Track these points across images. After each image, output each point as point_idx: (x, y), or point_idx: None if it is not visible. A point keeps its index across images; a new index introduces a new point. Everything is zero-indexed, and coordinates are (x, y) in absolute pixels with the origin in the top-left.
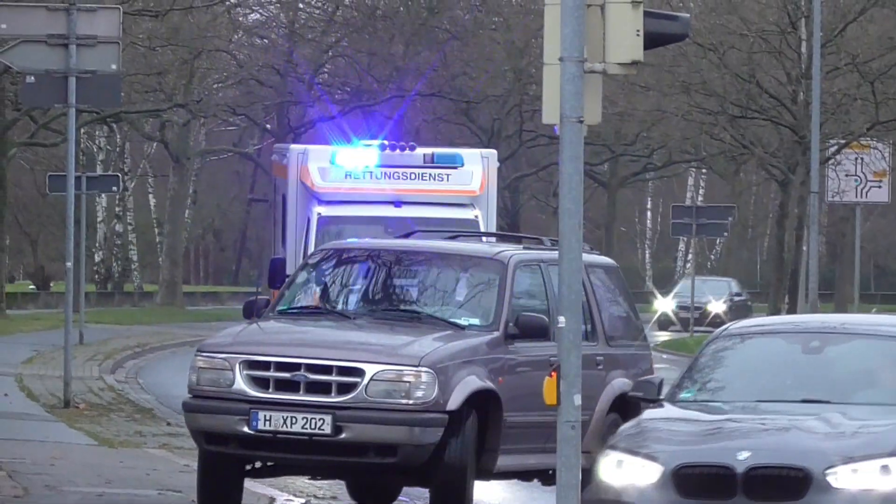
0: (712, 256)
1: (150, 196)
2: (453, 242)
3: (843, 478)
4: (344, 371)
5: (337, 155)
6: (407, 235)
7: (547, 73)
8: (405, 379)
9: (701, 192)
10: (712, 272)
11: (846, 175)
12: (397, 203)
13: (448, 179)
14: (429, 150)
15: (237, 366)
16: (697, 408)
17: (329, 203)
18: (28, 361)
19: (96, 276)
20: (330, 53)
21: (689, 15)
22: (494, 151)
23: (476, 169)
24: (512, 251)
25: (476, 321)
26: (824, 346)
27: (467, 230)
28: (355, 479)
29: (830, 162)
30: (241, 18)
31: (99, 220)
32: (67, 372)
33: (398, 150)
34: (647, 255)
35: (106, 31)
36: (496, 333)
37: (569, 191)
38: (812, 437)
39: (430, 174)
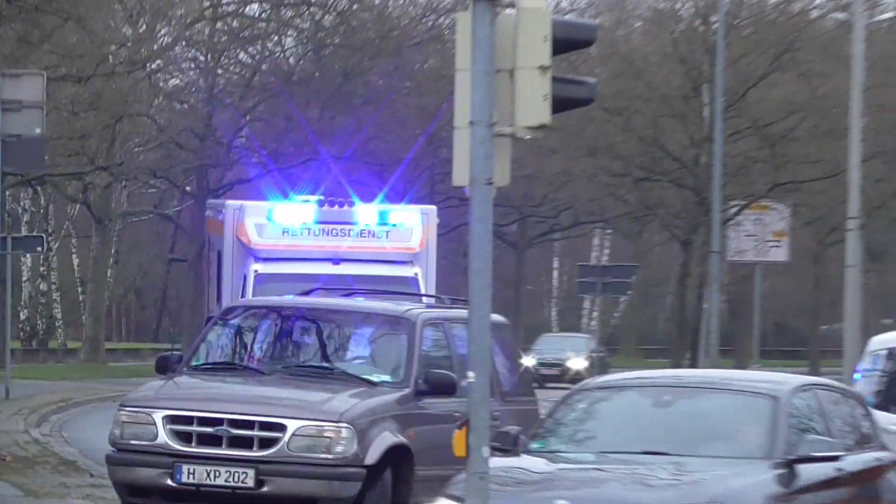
0: (616, 314)
1: (74, 256)
2: (362, 301)
3: None
4: (266, 426)
5: (274, 211)
6: (308, 293)
7: (457, 136)
8: (326, 434)
9: (606, 251)
10: (617, 329)
11: (746, 235)
12: (335, 261)
13: (387, 236)
14: (368, 207)
15: (160, 420)
16: (544, 458)
17: (266, 260)
18: None
19: (21, 334)
20: (248, 118)
21: (595, 80)
22: (434, 208)
23: (416, 226)
24: (419, 310)
25: (387, 378)
26: (675, 399)
27: (406, 289)
28: None
29: (731, 222)
30: (161, 84)
31: (24, 279)
32: None
33: (336, 206)
34: (554, 313)
35: (31, 96)
36: (407, 390)
37: (478, 251)
38: (630, 488)
39: (369, 231)
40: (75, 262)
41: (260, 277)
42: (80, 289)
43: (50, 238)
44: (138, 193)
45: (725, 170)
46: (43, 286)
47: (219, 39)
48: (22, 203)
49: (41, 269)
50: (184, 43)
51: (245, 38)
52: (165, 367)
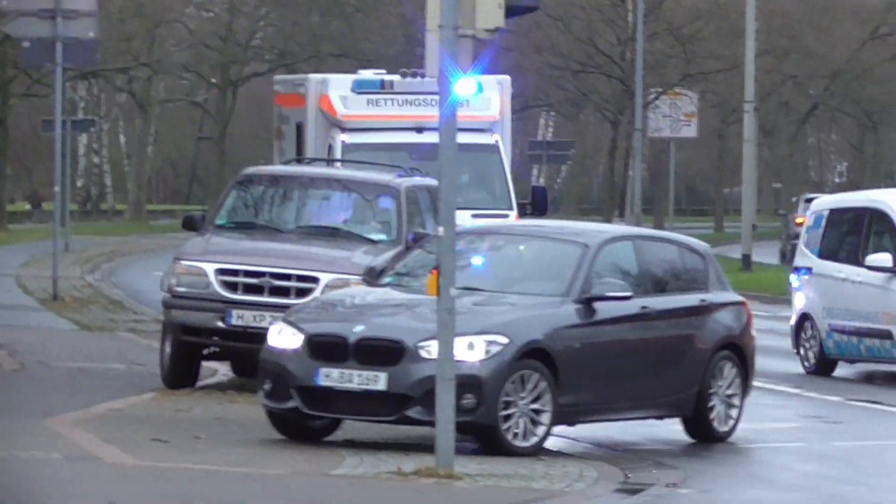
0: (559, 181)
1: (121, 135)
2: (356, 171)
3: (433, 350)
4: (302, 279)
5: (357, 83)
6: (298, 162)
7: (429, 37)
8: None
9: (550, 130)
10: (559, 192)
11: (663, 116)
12: (419, 129)
13: (468, 105)
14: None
15: (212, 272)
16: (383, 289)
17: (352, 131)
18: (25, 265)
19: (78, 198)
20: (261, 23)
21: None
22: (508, 77)
23: (494, 95)
24: (402, 179)
25: (384, 237)
26: (505, 245)
27: (489, 153)
28: None
29: (651, 106)
30: None
31: (81, 153)
32: (55, 272)
33: (418, 78)
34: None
35: (85, 6)
36: (400, 246)
37: (446, 128)
38: (416, 318)
39: None
40: (122, 140)
41: (347, 147)
42: (126, 162)
43: (101, 120)
44: (173, 84)
45: (646, 63)
46: (96, 160)
47: None
48: (78, 92)
49: (94, 146)
50: None
51: None
52: (192, 225)
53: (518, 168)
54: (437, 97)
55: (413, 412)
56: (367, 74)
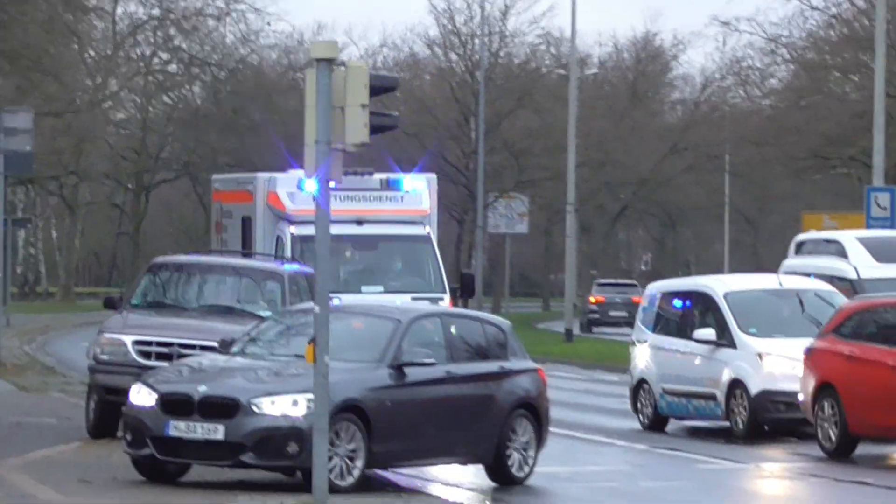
0: None
1: (53, 231)
2: (248, 260)
3: (265, 406)
4: (204, 348)
5: (304, 182)
6: (209, 252)
7: (307, 150)
8: None
9: None
10: None
11: (500, 215)
12: (359, 222)
13: (403, 200)
14: (384, 176)
15: (129, 343)
16: (230, 356)
17: (300, 223)
18: None
19: (18, 283)
20: (169, 139)
21: (398, 114)
22: (434, 176)
23: (424, 192)
24: (285, 266)
25: (270, 313)
26: (339, 319)
27: (423, 243)
28: None
29: (490, 207)
30: (111, 117)
31: (20, 246)
32: None
33: (358, 175)
34: None
35: (23, 125)
36: None
37: (320, 221)
38: (251, 380)
39: (387, 196)
40: (54, 234)
41: (296, 238)
42: (57, 252)
43: (37, 218)
44: (97, 189)
45: (486, 173)
46: (32, 251)
47: (150, 88)
48: (18, 195)
49: (31, 239)
50: (126, 90)
51: (167, 86)
52: (112, 305)
53: None
54: (375, 192)
55: (246, 458)
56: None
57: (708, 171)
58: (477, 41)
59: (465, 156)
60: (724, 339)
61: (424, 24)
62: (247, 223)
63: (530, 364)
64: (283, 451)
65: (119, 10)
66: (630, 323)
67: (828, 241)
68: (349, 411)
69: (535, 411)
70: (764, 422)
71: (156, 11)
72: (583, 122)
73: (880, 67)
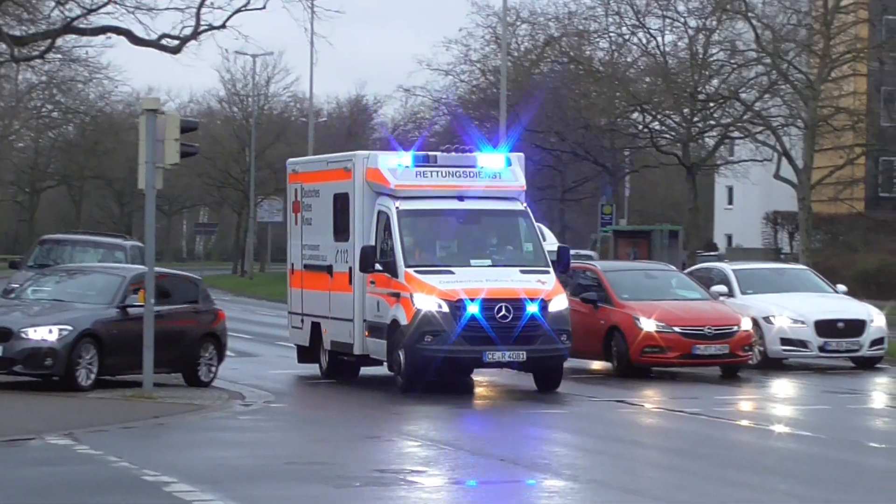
0: (211, 243)
1: None
2: (103, 237)
3: (30, 333)
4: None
5: (405, 158)
6: (86, 232)
7: (140, 168)
8: None
9: (206, 217)
10: (212, 249)
11: (265, 210)
12: (460, 197)
13: (500, 178)
14: (482, 153)
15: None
16: (17, 299)
17: (404, 199)
18: None
19: None
20: (52, 160)
21: (198, 144)
22: (523, 154)
23: (518, 169)
24: (127, 241)
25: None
26: (65, 274)
27: (523, 218)
28: None
29: (258, 205)
30: (15, 145)
31: None
32: None
33: (459, 153)
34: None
35: None
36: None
37: (148, 219)
38: (21, 314)
39: (485, 172)
40: None
41: (401, 212)
42: None
43: None
44: (5, 191)
45: (255, 183)
46: None
47: (40, 127)
48: None
49: None
50: (25, 128)
51: (51, 126)
52: (15, 266)
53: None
54: (473, 169)
55: (18, 368)
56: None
57: None
58: (250, 99)
59: (242, 172)
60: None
61: (217, 87)
62: (340, 199)
63: (215, 306)
64: (42, 363)
65: (20, 77)
66: None
67: None
68: (89, 336)
69: (217, 339)
70: None
71: (44, 78)
72: (317, 151)
73: (503, 119)
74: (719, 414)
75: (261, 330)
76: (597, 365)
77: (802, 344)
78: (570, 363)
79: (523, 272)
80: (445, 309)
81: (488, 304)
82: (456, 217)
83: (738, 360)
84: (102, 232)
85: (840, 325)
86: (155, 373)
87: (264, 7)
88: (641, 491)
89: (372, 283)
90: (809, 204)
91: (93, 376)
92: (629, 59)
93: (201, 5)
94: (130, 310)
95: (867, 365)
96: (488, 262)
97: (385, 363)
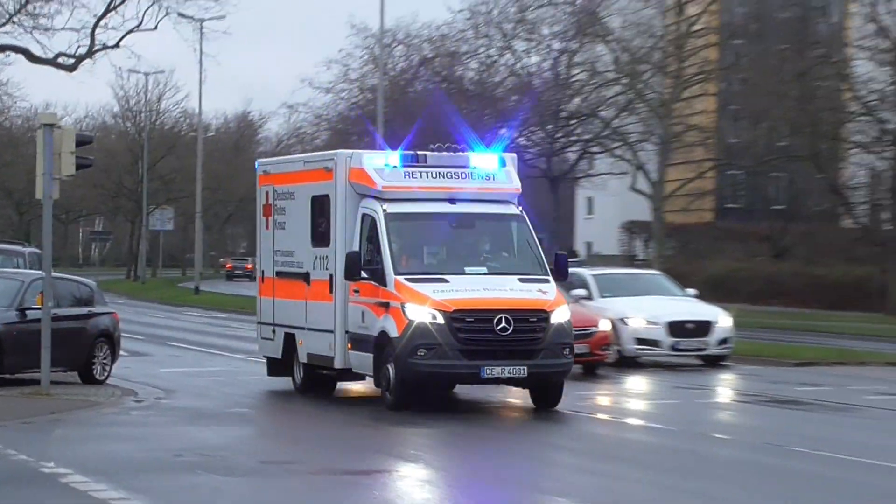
0: (105, 250)
1: None
2: (0, 244)
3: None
4: None
5: (392, 158)
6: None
7: (38, 179)
8: None
9: (101, 224)
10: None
11: (156, 219)
12: (451, 200)
13: (493, 179)
14: (474, 153)
15: None
16: None
17: (392, 201)
18: None
19: None
20: None
21: (93, 157)
22: (515, 155)
23: (512, 170)
24: (26, 248)
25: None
26: None
27: (519, 222)
28: None
29: (151, 214)
30: None
31: None
32: None
33: (451, 151)
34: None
35: None
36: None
37: (46, 227)
38: None
39: (479, 174)
40: None
41: (390, 216)
42: None
43: None
44: None
45: (148, 193)
46: None
47: None
48: None
49: None
50: None
51: None
52: None
53: None
54: (465, 170)
55: None
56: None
57: None
58: (143, 115)
59: (136, 183)
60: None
61: (111, 104)
62: (319, 201)
63: (109, 309)
64: None
65: None
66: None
67: None
68: None
69: (110, 339)
70: None
71: None
72: (206, 164)
73: (380, 133)
74: (579, 408)
75: (152, 331)
76: None
77: (655, 343)
78: None
79: (522, 281)
80: (440, 320)
81: (487, 316)
82: (448, 221)
83: (597, 358)
84: (2, 239)
85: (690, 325)
86: (52, 371)
87: (156, 28)
88: (506, 480)
89: (356, 291)
90: (662, 214)
91: None
92: (497, 79)
93: (95, 26)
94: (29, 312)
95: (714, 362)
96: (484, 269)
97: (367, 378)
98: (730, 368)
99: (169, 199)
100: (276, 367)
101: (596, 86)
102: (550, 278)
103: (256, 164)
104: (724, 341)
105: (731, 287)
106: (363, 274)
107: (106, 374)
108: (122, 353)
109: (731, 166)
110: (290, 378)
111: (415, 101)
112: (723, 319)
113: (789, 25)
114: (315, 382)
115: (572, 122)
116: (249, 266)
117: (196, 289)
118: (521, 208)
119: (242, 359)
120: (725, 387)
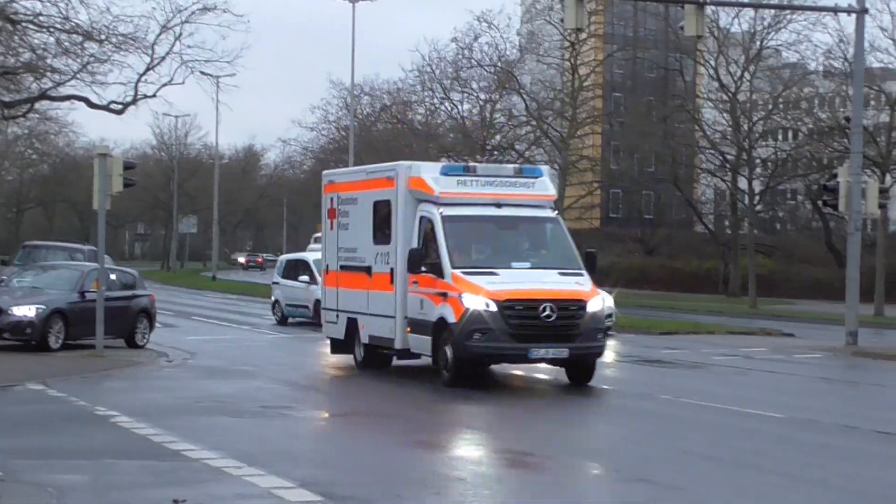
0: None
1: None
2: (66, 243)
3: (14, 310)
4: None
5: (446, 168)
6: (56, 240)
7: (95, 195)
8: None
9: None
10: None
11: (185, 224)
12: (498, 205)
13: (534, 187)
14: (518, 165)
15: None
16: (5, 286)
17: (447, 205)
18: None
19: None
20: None
21: (136, 178)
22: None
23: (548, 181)
24: (86, 246)
25: (90, 268)
26: (43, 269)
27: (556, 224)
28: None
29: (181, 220)
30: None
31: None
32: None
33: (497, 163)
34: None
35: None
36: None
37: (100, 228)
38: (10, 297)
39: (520, 183)
40: None
41: (446, 218)
42: None
43: None
44: None
45: (178, 207)
46: None
47: None
48: None
49: None
50: None
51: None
52: (4, 263)
53: None
54: (510, 179)
55: (6, 335)
56: (443, 163)
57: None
58: (173, 147)
59: (168, 198)
60: (311, 280)
61: (150, 139)
62: (381, 205)
63: (147, 292)
64: (24, 332)
65: (9, 130)
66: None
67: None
68: (57, 313)
69: (148, 314)
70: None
71: (26, 131)
72: (221, 184)
73: (351, 162)
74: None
75: (180, 308)
76: None
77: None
78: None
79: (562, 274)
80: (493, 308)
81: (533, 304)
82: (496, 223)
83: None
84: (67, 239)
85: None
86: (105, 338)
87: (183, 82)
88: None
89: (415, 283)
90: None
91: (60, 341)
92: (439, 121)
93: (138, 81)
94: (87, 294)
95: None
96: (527, 264)
97: (422, 357)
98: (612, 336)
99: (193, 210)
100: (339, 346)
101: (512, 126)
102: (585, 272)
103: (323, 175)
104: (608, 316)
105: (613, 275)
106: (423, 268)
107: (145, 341)
108: (157, 325)
109: (613, 186)
110: (353, 356)
111: (377, 138)
112: (608, 299)
113: (655, 83)
114: (374, 361)
115: (494, 153)
116: (260, 260)
117: (213, 277)
118: (556, 212)
119: (248, 329)
120: (609, 350)
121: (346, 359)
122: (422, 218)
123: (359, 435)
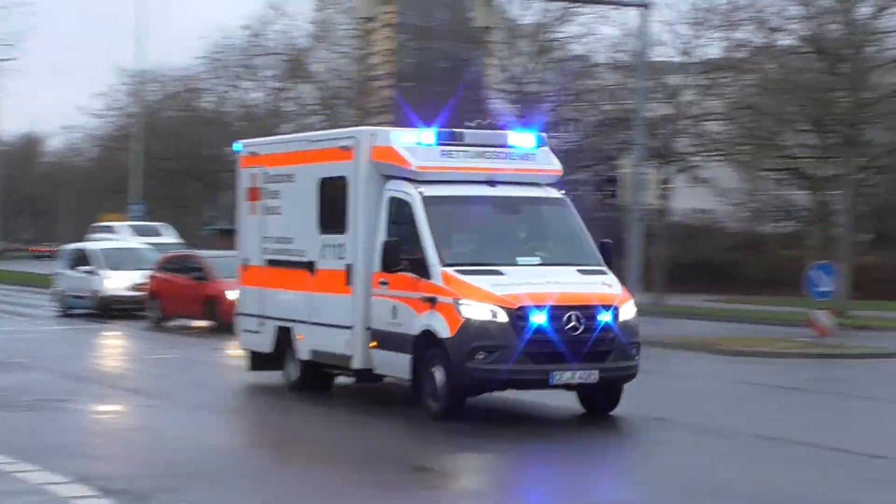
0: None
1: None
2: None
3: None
4: None
5: (426, 135)
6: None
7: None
8: None
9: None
10: None
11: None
12: (491, 182)
13: (535, 159)
14: (515, 132)
15: None
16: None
17: (428, 182)
18: None
19: None
20: None
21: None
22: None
23: (549, 150)
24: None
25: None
26: None
27: (564, 207)
28: None
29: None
30: None
31: None
32: None
33: (490, 129)
34: None
35: None
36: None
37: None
38: None
39: (518, 154)
40: None
41: (429, 199)
42: None
43: None
44: None
45: None
46: None
47: None
48: None
49: None
50: None
51: None
52: None
53: None
54: (505, 150)
55: None
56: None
57: None
58: None
59: None
60: (94, 271)
61: None
62: (330, 184)
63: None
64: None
65: None
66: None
67: (104, 228)
68: None
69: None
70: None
71: None
72: (3, 170)
73: (140, 153)
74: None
75: None
76: (198, 323)
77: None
78: (179, 321)
79: (582, 272)
80: (503, 319)
81: (556, 314)
82: (492, 206)
83: None
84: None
85: None
86: None
87: None
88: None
89: (383, 283)
90: None
91: None
92: (229, 109)
93: None
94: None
95: None
96: (537, 259)
97: (386, 379)
98: None
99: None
100: (263, 362)
101: (303, 115)
102: (608, 269)
103: (238, 145)
104: None
105: None
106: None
107: None
108: None
109: None
110: (284, 374)
111: (166, 125)
112: None
113: (445, 72)
114: (313, 381)
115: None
116: (54, 250)
117: None
118: (563, 191)
119: (27, 321)
120: None
121: (123, 344)
122: (391, 199)
123: (139, 427)
